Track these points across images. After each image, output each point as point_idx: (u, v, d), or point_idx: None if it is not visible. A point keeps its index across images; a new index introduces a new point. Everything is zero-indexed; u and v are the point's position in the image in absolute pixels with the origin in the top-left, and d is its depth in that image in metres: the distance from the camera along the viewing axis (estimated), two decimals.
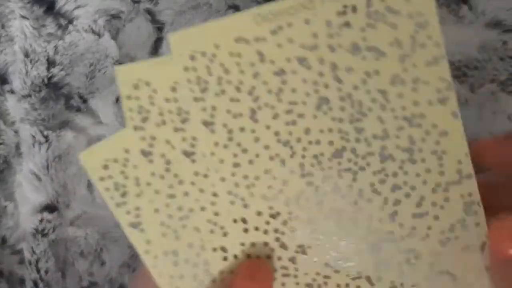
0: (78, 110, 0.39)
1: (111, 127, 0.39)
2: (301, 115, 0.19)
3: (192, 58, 0.19)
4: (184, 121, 0.20)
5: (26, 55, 0.40)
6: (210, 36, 0.19)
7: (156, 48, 0.38)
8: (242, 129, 0.20)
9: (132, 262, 0.39)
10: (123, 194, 0.21)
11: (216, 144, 0.20)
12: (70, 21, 0.39)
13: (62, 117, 0.40)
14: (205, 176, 0.21)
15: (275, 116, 0.19)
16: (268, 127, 0.19)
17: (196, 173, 0.21)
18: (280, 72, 0.19)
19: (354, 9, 0.18)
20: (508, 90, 0.34)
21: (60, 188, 0.40)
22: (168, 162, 0.21)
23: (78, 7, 0.39)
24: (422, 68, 0.18)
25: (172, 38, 0.19)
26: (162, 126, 0.20)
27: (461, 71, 0.35)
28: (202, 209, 0.21)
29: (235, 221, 0.21)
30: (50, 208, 0.40)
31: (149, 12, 0.38)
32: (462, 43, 0.35)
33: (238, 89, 0.19)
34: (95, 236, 0.39)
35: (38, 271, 0.40)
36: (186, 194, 0.21)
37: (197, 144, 0.20)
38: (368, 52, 0.18)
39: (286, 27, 0.18)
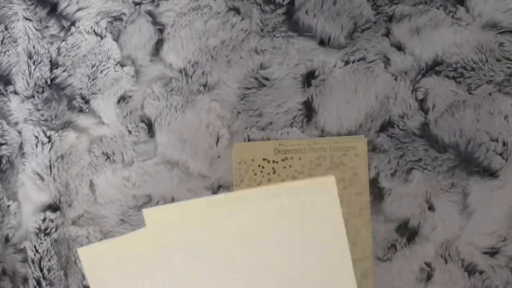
0: (80, 110, 0.40)
1: (113, 127, 0.39)
2: None
3: (166, 232, 0.21)
4: None
5: (29, 56, 0.40)
6: (183, 216, 0.21)
7: (157, 50, 0.39)
8: None
9: None
10: None
11: None
12: (73, 23, 0.40)
13: (65, 117, 0.40)
14: None
15: None
16: None
17: None
18: None
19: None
20: (504, 91, 0.34)
21: (62, 188, 0.40)
22: None
23: (80, 9, 0.40)
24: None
25: (147, 214, 0.21)
26: None
27: (458, 72, 0.35)
28: None
29: None
30: (53, 207, 0.40)
31: (150, 14, 0.39)
32: (459, 44, 0.35)
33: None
34: (97, 235, 0.39)
35: (41, 269, 0.40)
36: None
37: None
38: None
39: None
